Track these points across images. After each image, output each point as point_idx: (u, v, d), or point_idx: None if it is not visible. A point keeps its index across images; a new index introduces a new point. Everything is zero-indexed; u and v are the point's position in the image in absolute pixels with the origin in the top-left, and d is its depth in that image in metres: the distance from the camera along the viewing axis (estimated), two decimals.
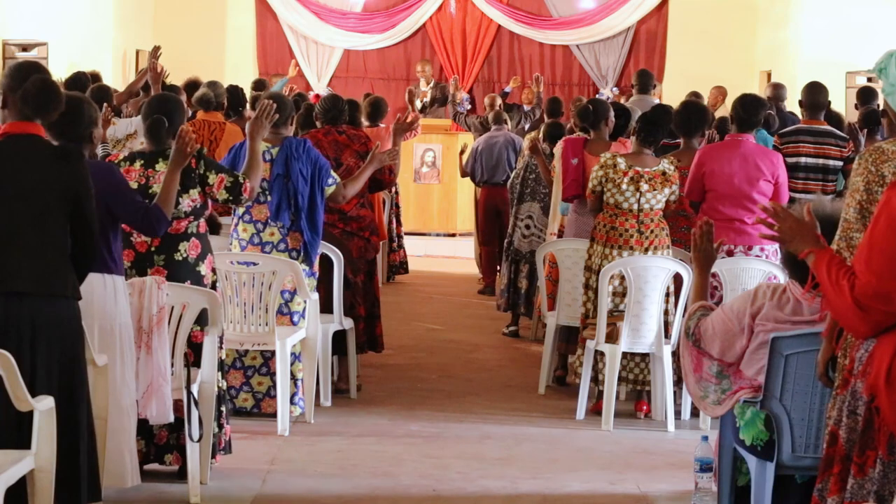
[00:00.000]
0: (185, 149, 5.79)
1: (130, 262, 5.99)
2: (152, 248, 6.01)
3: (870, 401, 3.79)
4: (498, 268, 11.85)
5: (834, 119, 9.16)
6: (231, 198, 6.20)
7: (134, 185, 5.95)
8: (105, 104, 7.13)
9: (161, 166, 6.01)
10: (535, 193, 10.24)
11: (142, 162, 6.08)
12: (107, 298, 5.35)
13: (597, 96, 16.70)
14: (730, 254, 7.55)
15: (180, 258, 6.04)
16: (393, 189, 12.42)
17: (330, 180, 7.30)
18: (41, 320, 4.82)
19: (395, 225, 12.80)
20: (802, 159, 8.58)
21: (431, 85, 17.05)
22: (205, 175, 6.09)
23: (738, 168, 7.64)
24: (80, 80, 9.50)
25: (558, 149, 8.94)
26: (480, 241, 12.52)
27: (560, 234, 8.99)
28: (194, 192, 6.06)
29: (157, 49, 9.66)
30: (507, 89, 16.37)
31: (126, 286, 5.55)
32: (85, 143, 5.39)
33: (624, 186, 7.61)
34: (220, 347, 6.07)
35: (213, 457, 6.14)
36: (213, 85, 9.95)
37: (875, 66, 4.11)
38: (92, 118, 5.43)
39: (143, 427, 5.92)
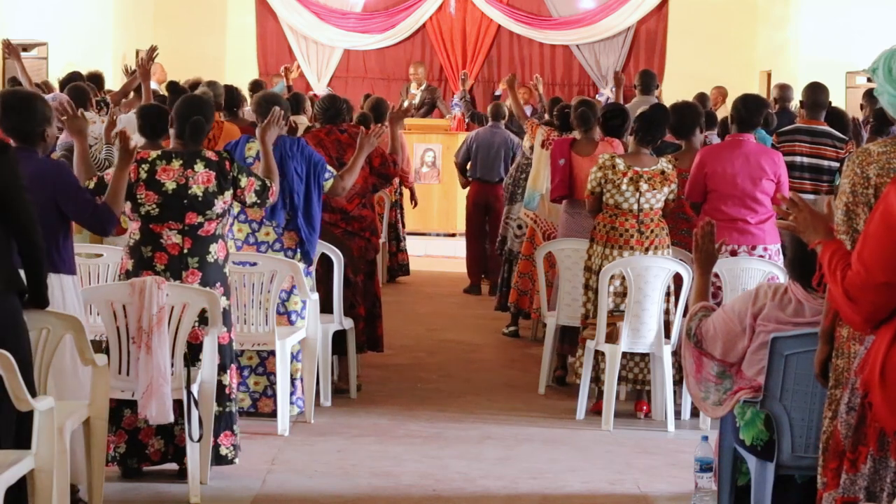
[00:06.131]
0: (130, 148, 5.76)
1: (164, 265, 5.97)
2: (185, 251, 5.99)
3: (864, 396, 3.81)
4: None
5: (836, 117, 9.11)
6: (259, 201, 6.25)
7: (172, 185, 5.96)
8: (80, 108, 7.03)
9: (199, 167, 6.01)
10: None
11: (180, 162, 6.03)
12: (54, 299, 5.23)
13: (597, 96, 16.73)
14: (733, 254, 7.55)
15: (212, 260, 6.05)
16: (396, 189, 12.41)
17: (327, 174, 7.31)
18: None
19: (400, 225, 12.78)
20: (798, 158, 8.56)
21: (423, 87, 16.96)
22: (237, 178, 6.10)
23: (741, 168, 7.63)
24: (73, 81, 9.47)
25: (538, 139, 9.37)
26: (467, 238, 12.53)
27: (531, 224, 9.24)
28: (227, 195, 6.07)
29: (153, 49, 9.60)
30: (498, 92, 16.21)
31: (77, 285, 5.51)
32: (37, 141, 5.40)
33: (623, 187, 7.60)
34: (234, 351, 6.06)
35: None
36: (212, 85, 9.96)
37: (870, 66, 4.11)
38: (45, 116, 5.41)
39: (164, 427, 5.94)
